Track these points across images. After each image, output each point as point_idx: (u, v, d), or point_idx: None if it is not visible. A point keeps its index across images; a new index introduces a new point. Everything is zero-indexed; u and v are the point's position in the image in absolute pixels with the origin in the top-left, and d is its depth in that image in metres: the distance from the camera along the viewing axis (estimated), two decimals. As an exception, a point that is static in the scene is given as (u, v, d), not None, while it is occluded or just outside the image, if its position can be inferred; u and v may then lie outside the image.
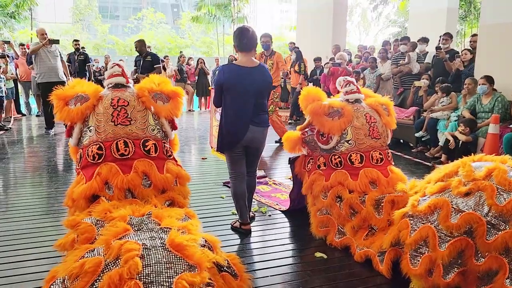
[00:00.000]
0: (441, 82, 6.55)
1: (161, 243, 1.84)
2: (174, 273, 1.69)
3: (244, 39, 3.16)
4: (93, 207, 2.43)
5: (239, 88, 3.14)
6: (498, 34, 5.95)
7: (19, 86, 10.26)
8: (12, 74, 9.53)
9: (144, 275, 1.66)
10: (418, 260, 2.47)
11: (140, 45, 7.92)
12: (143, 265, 1.69)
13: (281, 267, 2.91)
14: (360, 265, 2.90)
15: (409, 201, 2.73)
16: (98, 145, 2.73)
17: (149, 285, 1.63)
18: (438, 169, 2.87)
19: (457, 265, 2.38)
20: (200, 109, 12.64)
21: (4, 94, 8.39)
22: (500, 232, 2.28)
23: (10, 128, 8.44)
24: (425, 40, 7.92)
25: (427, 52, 7.95)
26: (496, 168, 2.42)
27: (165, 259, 1.74)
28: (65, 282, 1.72)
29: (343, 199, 3.18)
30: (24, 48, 9.78)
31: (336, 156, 3.33)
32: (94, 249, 1.83)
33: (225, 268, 1.95)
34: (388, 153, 3.44)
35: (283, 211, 3.94)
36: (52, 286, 1.74)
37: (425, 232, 2.46)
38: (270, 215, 3.87)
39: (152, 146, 2.82)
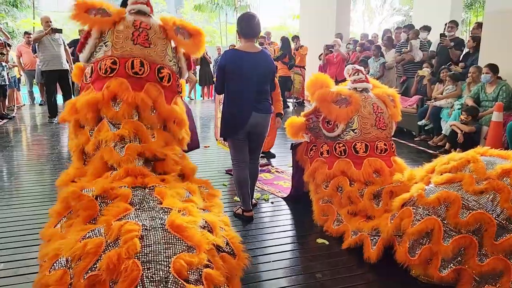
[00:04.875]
0: (448, 70, 6.51)
1: (161, 223, 1.85)
2: (172, 253, 1.71)
3: (248, 25, 3.15)
4: (93, 178, 2.37)
5: (242, 72, 3.12)
6: (504, 21, 5.87)
7: (23, 75, 10.26)
8: (14, 62, 9.52)
9: (143, 254, 1.68)
10: (417, 251, 2.45)
11: None
12: (142, 245, 1.71)
13: (283, 253, 2.93)
14: (361, 250, 2.91)
15: (413, 189, 2.70)
16: (112, 60, 2.62)
17: (148, 264, 1.65)
18: (440, 159, 2.85)
19: (455, 262, 2.37)
20: (203, 99, 12.61)
21: (7, 83, 8.40)
22: (509, 234, 2.27)
23: (14, 116, 8.46)
24: (426, 28, 7.87)
25: (431, 42, 7.89)
26: None
27: (164, 239, 1.76)
28: (69, 262, 1.75)
29: (343, 190, 3.18)
30: (29, 37, 9.76)
31: (341, 144, 3.32)
32: (96, 229, 1.85)
33: (223, 248, 1.97)
34: (392, 144, 3.43)
35: (284, 198, 3.95)
36: (55, 265, 1.77)
37: (431, 224, 2.42)
38: (272, 202, 3.89)
39: (166, 75, 2.74)
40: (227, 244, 2.01)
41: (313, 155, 3.51)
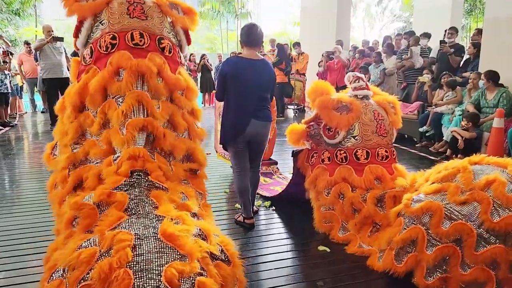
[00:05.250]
0: (449, 75, 6.54)
1: (153, 232, 1.85)
2: (164, 262, 1.71)
3: (251, 35, 3.21)
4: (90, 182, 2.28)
5: (243, 79, 3.16)
6: (504, 27, 5.90)
7: (25, 83, 10.32)
8: (16, 70, 9.58)
9: (135, 263, 1.68)
10: (403, 258, 2.53)
11: None
12: (134, 255, 1.71)
13: (283, 260, 2.92)
14: (363, 258, 2.91)
15: (403, 199, 2.75)
16: (111, 35, 2.53)
17: (139, 273, 1.65)
18: (437, 167, 2.87)
19: (441, 270, 2.41)
20: (204, 105, 12.64)
21: (9, 91, 8.44)
22: (489, 245, 2.29)
23: (16, 124, 8.49)
24: (426, 35, 7.91)
25: (431, 48, 7.91)
26: (496, 180, 2.41)
27: (157, 248, 1.76)
28: (65, 272, 1.76)
29: (345, 197, 3.18)
30: (29, 47, 9.83)
31: (342, 151, 3.33)
32: (91, 238, 1.85)
33: (218, 256, 1.96)
34: (393, 151, 3.43)
35: (271, 198, 3.98)
36: (53, 275, 1.78)
37: (415, 233, 2.50)
38: (273, 209, 3.89)
39: (167, 45, 2.64)
40: (222, 251, 2.00)
41: (314, 162, 3.52)
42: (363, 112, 3.34)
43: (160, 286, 1.62)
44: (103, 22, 2.59)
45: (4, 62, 8.31)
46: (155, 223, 1.93)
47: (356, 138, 3.31)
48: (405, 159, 5.79)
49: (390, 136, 3.44)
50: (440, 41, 7.19)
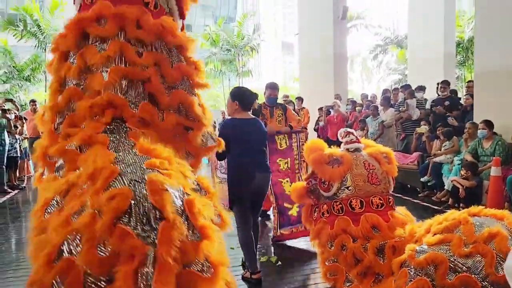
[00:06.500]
0: (443, 126, 6.72)
1: (133, 152, 1.81)
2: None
3: (245, 99, 3.59)
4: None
5: (245, 137, 3.51)
6: (492, 80, 6.17)
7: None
8: (26, 134, 9.89)
9: (119, 162, 1.67)
10: None
11: None
12: (117, 161, 1.68)
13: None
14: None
15: (406, 250, 2.78)
16: None
17: (123, 165, 1.63)
18: (437, 218, 2.93)
19: None
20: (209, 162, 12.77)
21: (18, 154, 8.69)
22: None
23: (24, 187, 8.64)
24: (421, 88, 8.24)
25: (427, 99, 8.20)
26: (499, 234, 2.47)
27: (138, 157, 1.74)
28: (59, 201, 1.68)
29: (347, 248, 3.23)
30: (35, 105, 10.19)
31: (338, 203, 3.43)
32: (76, 171, 1.78)
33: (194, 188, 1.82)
34: (389, 198, 3.52)
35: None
36: (48, 209, 1.70)
37: (421, 284, 2.50)
38: (280, 265, 3.91)
39: (152, 1, 2.41)
40: (197, 184, 1.87)
41: (316, 217, 3.61)
42: (354, 163, 3.49)
43: (145, 171, 1.60)
44: None
45: (15, 126, 8.63)
46: (134, 152, 1.85)
47: (349, 188, 3.43)
48: (409, 209, 5.73)
49: (384, 185, 3.53)
50: (431, 104, 7.44)
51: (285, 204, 5.00)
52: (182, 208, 1.56)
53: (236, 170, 3.52)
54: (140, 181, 1.56)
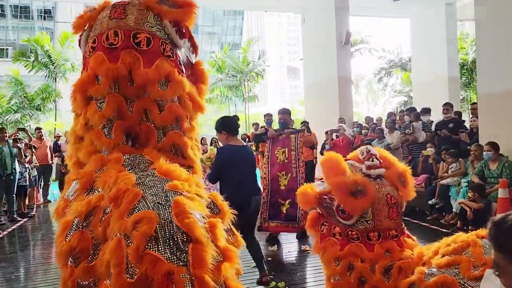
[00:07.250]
0: (446, 149, 6.72)
1: (152, 173, 1.88)
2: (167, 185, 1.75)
3: (229, 125, 3.93)
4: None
5: (240, 162, 3.83)
6: (496, 102, 6.21)
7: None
8: (36, 163, 10.02)
9: (140, 185, 1.72)
10: None
11: None
12: (137, 183, 1.75)
13: None
14: None
15: (415, 272, 2.75)
16: (92, 39, 2.52)
17: (143, 187, 1.70)
18: (445, 240, 2.91)
19: None
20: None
21: (28, 183, 8.79)
22: None
23: (33, 215, 8.71)
24: (426, 111, 8.27)
25: (432, 121, 8.23)
26: None
27: (157, 179, 1.82)
28: (78, 222, 1.74)
29: (355, 267, 3.19)
30: (40, 132, 10.36)
31: (354, 232, 3.34)
32: (95, 191, 1.87)
33: (209, 205, 1.93)
34: (402, 228, 3.44)
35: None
36: (69, 232, 1.75)
37: None
38: (286, 292, 3.89)
39: (144, 38, 2.46)
40: (212, 202, 1.98)
41: (325, 233, 3.49)
42: (377, 196, 3.37)
43: (168, 193, 1.66)
44: (93, 29, 2.61)
45: (25, 155, 8.77)
46: (152, 172, 1.92)
47: (368, 222, 3.31)
48: (418, 233, 5.74)
49: (400, 218, 3.43)
50: (436, 128, 7.49)
51: (279, 199, 5.40)
52: (205, 230, 1.63)
53: (233, 195, 3.37)
54: (163, 204, 1.63)
